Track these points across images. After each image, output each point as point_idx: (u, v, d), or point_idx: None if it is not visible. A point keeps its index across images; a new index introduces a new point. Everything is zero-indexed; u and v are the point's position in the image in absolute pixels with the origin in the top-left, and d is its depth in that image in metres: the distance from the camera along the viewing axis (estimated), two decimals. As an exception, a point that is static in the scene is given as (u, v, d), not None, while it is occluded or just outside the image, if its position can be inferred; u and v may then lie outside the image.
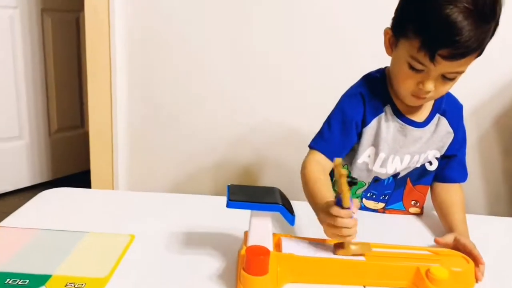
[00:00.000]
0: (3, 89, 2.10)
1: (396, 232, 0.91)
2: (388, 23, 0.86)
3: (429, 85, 0.80)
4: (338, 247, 0.69)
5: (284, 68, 1.62)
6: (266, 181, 1.72)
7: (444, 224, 0.91)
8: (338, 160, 0.66)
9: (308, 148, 0.93)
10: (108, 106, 1.70)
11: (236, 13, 1.60)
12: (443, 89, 0.83)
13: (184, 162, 1.76)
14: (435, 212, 0.98)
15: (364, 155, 0.94)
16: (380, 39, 0.88)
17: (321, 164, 0.90)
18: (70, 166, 2.45)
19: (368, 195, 0.99)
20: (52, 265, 0.67)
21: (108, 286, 0.64)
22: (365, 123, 0.91)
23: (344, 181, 0.64)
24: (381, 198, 0.99)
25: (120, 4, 1.62)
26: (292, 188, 1.39)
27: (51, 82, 2.29)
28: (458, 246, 0.77)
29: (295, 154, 1.64)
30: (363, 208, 1.00)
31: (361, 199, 1.00)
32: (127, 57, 1.68)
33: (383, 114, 0.90)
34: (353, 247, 0.68)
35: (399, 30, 0.83)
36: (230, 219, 0.82)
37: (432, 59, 0.76)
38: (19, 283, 0.63)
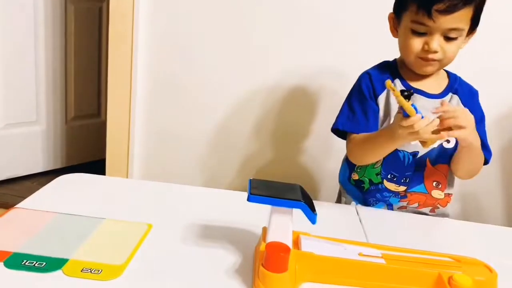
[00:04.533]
0: (23, 75, 2.12)
1: (418, 235, 0.89)
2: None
3: (434, 43, 0.90)
4: (424, 142, 0.81)
5: (303, 69, 1.61)
6: (286, 178, 1.71)
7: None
8: (388, 82, 0.78)
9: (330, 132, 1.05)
10: (127, 97, 1.70)
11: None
12: (449, 50, 0.92)
13: (201, 157, 1.75)
14: (459, 220, 0.97)
15: (383, 126, 0.98)
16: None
17: (360, 135, 0.98)
18: (84, 154, 2.46)
19: (389, 176, 1.00)
20: (69, 249, 0.67)
21: (124, 274, 0.63)
22: (376, 95, 1.00)
23: (401, 98, 0.74)
24: (402, 181, 1.00)
25: (145, -6, 1.63)
26: (312, 186, 1.40)
27: (70, 70, 2.31)
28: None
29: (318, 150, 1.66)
30: (383, 189, 1.00)
31: (381, 178, 1.00)
32: (149, 49, 1.68)
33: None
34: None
35: (399, 6, 0.96)
36: (247, 214, 0.81)
37: (430, 15, 0.87)
38: (36, 265, 0.62)
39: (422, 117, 0.79)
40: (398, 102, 0.76)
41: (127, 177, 1.75)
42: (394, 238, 0.82)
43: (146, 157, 1.80)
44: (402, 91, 0.77)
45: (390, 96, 0.99)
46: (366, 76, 1.02)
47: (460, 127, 0.82)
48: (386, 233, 0.87)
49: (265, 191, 0.65)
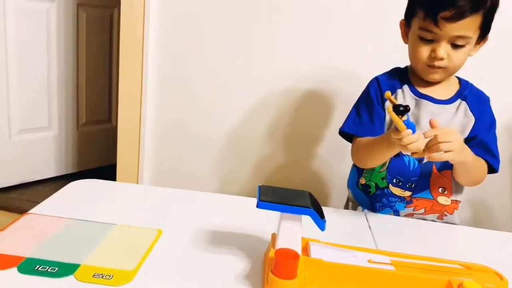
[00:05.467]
0: (35, 81, 2.15)
1: (427, 242, 0.89)
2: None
3: (441, 51, 0.90)
4: (414, 153, 0.82)
5: (317, 71, 1.61)
6: (298, 183, 1.71)
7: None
8: (388, 93, 0.80)
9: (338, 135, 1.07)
10: (138, 103, 1.72)
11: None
12: (455, 58, 0.92)
13: (212, 162, 1.76)
14: (468, 227, 0.96)
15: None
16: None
17: (364, 139, 0.99)
18: (95, 159, 2.48)
19: (394, 181, 1.01)
20: (80, 255, 0.68)
21: (135, 279, 0.64)
22: (383, 101, 1.00)
23: (392, 113, 0.76)
24: (407, 186, 1.00)
25: (156, 1, 1.64)
26: (324, 192, 1.40)
27: (82, 76, 2.34)
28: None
29: (326, 157, 1.66)
30: (389, 194, 1.00)
31: (387, 183, 1.01)
32: (160, 55, 1.70)
33: (399, 90, 1.00)
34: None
35: (409, 13, 0.97)
36: (257, 220, 0.82)
37: (436, 22, 0.87)
38: (49, 270, 0.63)
39: (414, 132, 0.79)
40: (391, 116, 0.78)
41: (137, 183, 1.77)
42: (403, 244, 0.82)
43: (156, 163, 1.81)
44: (398, 106, 0.76)
45: (398, 101, 0.99)
46: (374, 82, 1.04)
47: (445, 151, 0.81)
48: (395, 240, 0.87)
49: (274, 197, 0.65)
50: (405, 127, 0.77)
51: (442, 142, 0.80)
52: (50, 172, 2.33)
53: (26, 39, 2.06)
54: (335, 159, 1.66)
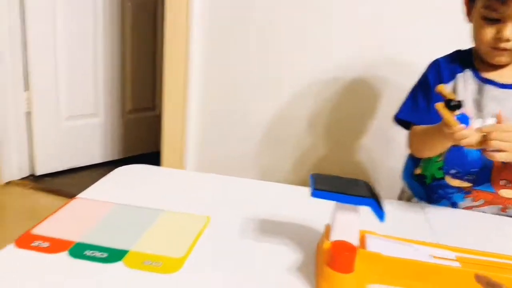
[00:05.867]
0: (82, 69, 2.19)
1: (491, 236, 0.83)
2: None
3: (507, 31, 0.83)
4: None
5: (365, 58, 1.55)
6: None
7: None
8: (440, 87, 0.77)
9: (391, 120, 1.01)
10: (182, 90, 1.71)
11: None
12: None
13: (255, 151, 1.74)
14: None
15: None
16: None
17: (421, 127, 0.93)
18: (140, 146, 2.52)
19: (452, 172, 0.94)
20: (129, 241, 0.67)
21: (184, 267, 0.62)
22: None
23: (442, 110, 0.73)
24: (466, 177, 0.93)
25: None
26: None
27: (127, 64, 2.36)
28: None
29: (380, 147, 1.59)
30: (446, 185, 0.94)
31: (444, 174, 0.95)
32: (205, 42, 1.68)
33: (460, 74, 0.93)
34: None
35: None
36: (307, 210, 0.79)
37: (502, 0, 0.81)
38: (98, 255, 0.62)
39: (467, 127, 0.74)
40: (440, 113, 0.74)
41: (182, 168, 1.77)
42: (465, 239, 0.77)
43: (200, 150, 1.80)
44: (450, 101, 0.73)
45: (458, 87, 0.92)
46: (434, 65, 0.97)
47: (500, 150, 0.75)
48: (456, 233, 0.81)
49: (329, 186, 0.61)
50: (456, 123, 0.73)
51: (496, 140, 0.74)
52: (97, 158, 2.38)
53: (73, 29, 2.10)
54: (381, 150, 1.60)
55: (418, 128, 0.94)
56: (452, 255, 0.64)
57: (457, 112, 0.73)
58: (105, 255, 0.63)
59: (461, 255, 0.64)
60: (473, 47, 0.96)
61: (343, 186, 0.62)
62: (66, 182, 2.20)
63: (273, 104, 1.68)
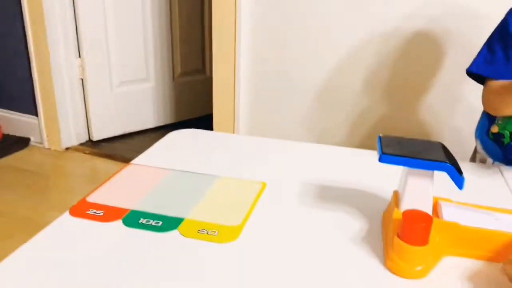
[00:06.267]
0: (132, 35, 2.18)
1: None
2: None
3: None
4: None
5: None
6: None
7: None
8: None
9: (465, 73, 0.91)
10: (232, 52, 1.66)
11: None
12: None
13: (308, 113, 1.67)
14: None
15: None
16: None
17: (499, 85, 0.84)
18: (192, 110, 2.52)
19: None
20: (184, 208, 0.64)
21: (241, 236, 0.59)
22: None
23: None
24: None
25: None
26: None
27: (176, 28, 2.33)
28: None
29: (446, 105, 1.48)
30: None
31: None
32: (253, 5, 1.60)
33: None
34: None
35: None
36: (370, 175, 0.73)
37: None
38: (153, 223, 0.60)
39: None
40: None
41: (233, 133, 1.74)
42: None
43: (252, 113, 1.76)
44: None
45: None
46: None
47: None
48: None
49: (400, 149, 0.55)
50: None
51: None
52: (149, 122, 2.40)
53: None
54: (446, 109, 1.49)
55: (496, 83, 0.84)
56: (541, 225, 0.56)
57: None
58: (160, 223, 0.60)
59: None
60: None
61: (415, 149, 0.56)
62: (122, 147, 2.24)
63: (327, 65, 1.59)
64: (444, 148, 0.57)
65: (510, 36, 0.84)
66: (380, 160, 0.54)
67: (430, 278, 0.52)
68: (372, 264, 0.54)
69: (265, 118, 1.75)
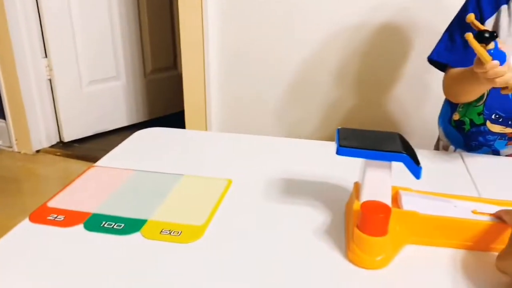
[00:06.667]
0: (100, 33, 2.14)
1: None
2: None
3: None
4: (504, 88, 0.69)
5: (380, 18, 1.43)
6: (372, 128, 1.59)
7: None
8: (470, 16, 0.70)
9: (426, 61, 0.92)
10: (200, 49, 1.64)
11: None
12: None
13: (280, 107, 1.67)
14: None
15: None
16: None
17: (458, 70, 0.85)
18: (165, 106, 2.49)
19: (493, 117, 0.86)
20: (147, 209, 0.63)
21: (205, 235, 0.58)
22: (483, 19, 0.84)
23: (473, 42, 0.65)
24: (510, 122, 0.85)
25: None
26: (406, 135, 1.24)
27: (144, 24, 2.30)
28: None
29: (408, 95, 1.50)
30: (487, 132, 0.87)
31: (484, 119, 0.87)
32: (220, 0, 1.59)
33: (504, 6, 0.83)
34: None
35: None
36: (335, 167, 0.73)
37: None
38: (115, 226, 0.60)
39: (502, 63, 0.66)
40: (471, 45, 0.66)
41: (206, 129, 1.73)
42: (510, 190, 0.70)
43: (224, 108, 1.75)
44: (482, 32, 0.65)
45: (502, 21, 0.83)
46: None
47: None
48: (500, 184, 0.74)
49: (357, 142, 0.55)
50: (490, 57, 0.65)
51: None
52: (122, 121, 2.37)
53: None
54: (415, 98, 1.50)
55: (454, 70, 0.86)
56: (496, 209, 0.58)
57: (491, 45, 0.66)
58: (122, 226, 0.60)
59: (506, 208, 0.58)
60: None
61: (373, 140, 0.56)
62: (95, 148, 2.21)
63: (296, 58, 1.58)
64: (402, 139, 0.57)
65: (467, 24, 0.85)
66: (338, 152, 0.55)
67: (391, 267, 0.53)
68: (335, 257, 0.55)
69: (237, 113, 1.74)
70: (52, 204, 0.65)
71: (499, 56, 0.66)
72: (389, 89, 1.54)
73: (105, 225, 0.60)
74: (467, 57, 0.82)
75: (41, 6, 1.93)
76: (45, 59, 2.03)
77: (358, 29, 1.48)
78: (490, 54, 0.65)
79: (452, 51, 0.88)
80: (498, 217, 0.55)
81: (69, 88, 2.12)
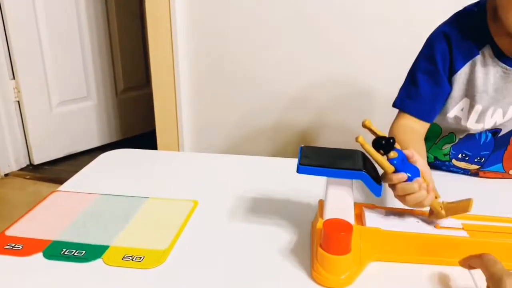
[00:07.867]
0: (70, 52, 2.12)
1: (499, 200, 0.77)
2: None
3: None
4: (430, 213, 0.59)
5: (349, 27, 1.46)
6: (330, 144, 1.60)
7: None
8: (367, 121, 0.57)
9: (393, 109, 0.82)
10: (170, 66, 1.64)
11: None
12: None
13: (248, 121, 1.67)
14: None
15: (455, 108, 0.79)
16: None
17: (410, 128, 0.78)
18: (138, 126, 2.46)
19: (460, 156, 0.85)
20: (109, 235, 0.62)
21: (168, 260, 0.57)
22: (453, 69, 0.75)
23: (368, 148, 0.53)
24: (475, 160, 0.84)
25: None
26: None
27: (115, 43, 2.28)
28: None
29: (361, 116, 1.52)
30: (452, 167, 0.87)
31: (450, 158, 0.86)
32: (188, 17, 1.59)
33: (479, 56, 0.73)
34: (443, 211, 0.57)
35: None
36: (301, 184, 0.73)
37: None
38: (75, 254, 0.58)
39: (411, 179, 0.55)
40: (366, 152, 0.54)
41: (178, 148, 1.72)
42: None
43: (196, 126, 1.74)
44: (379, 139, 0.55)
45: (477, 72, 0.74)
46: (441, 37, 0.76)
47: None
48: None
49: (318, 160, 0.55)
50: (392, 167, 0.54)
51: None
52: (94, 142, 2.33)
53: (57, 14, 2.01)
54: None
55: (409, 121, 0.77)
56: (458, 223, 0.59)
57: (393, 155, 0.54)
58: (83, 253, 0.58)
59: (467, 222, 0.59)
60: (486, 11, 0.73)
61: (333, 158, 0.56)
62: (66, 170, 2.16)
63: (270, 77, 1.59)
64: (364, 157, 0.58)
65: (438, 69, 0.75)
66: (298, 171, 0.55)
67: (356, 285, 0.53)
68: (301, 276, 0.55)
69: (209, 131, 1.74)
70: (10, 232, 0.63)
71: (406, 169, 0.55)
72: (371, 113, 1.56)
73: (66, 253, 0.58)
74: (432, 108, 0.78)
75: (8, 26, 1.90)
76: (13, 80, 1.99)
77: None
78: (393, 165, 0.55)
79: (416, 100, 0.78)
80: (469, 265, 0.50)
81: (39, 109, 2.08)
